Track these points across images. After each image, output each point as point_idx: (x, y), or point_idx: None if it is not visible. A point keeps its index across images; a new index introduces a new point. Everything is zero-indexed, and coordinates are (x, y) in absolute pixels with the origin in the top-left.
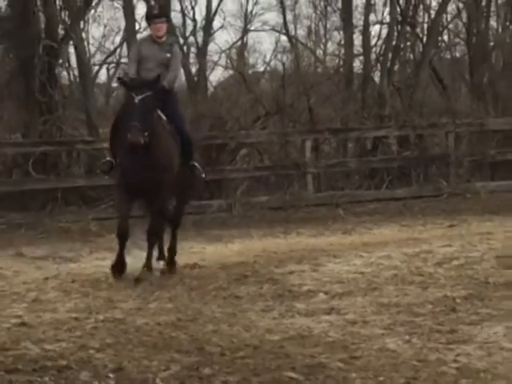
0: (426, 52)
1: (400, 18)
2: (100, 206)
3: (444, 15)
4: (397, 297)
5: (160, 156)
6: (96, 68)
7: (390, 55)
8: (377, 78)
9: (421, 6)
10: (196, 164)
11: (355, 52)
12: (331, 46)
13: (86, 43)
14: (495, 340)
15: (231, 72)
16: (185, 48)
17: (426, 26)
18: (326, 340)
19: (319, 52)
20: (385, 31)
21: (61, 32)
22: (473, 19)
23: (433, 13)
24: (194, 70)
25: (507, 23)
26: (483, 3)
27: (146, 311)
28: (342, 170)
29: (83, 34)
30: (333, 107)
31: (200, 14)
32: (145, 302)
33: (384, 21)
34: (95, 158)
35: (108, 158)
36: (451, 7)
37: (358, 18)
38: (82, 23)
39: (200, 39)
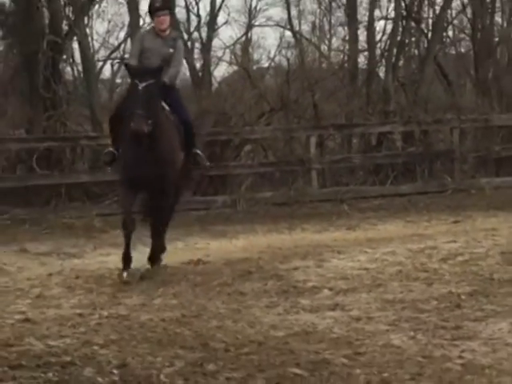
0: (431, 47)
1: (405, 14)
2: (104, 202)
3: (449, 11)
4: (401, 293)
5: (164, 148)
6: (100, 64)
7: (395, 51)
8: (381, 74)
9: (426, 2)
10: (199, 152)
11: (360, 47)
12: (336, 42)
13: (90, 39)
14: (500, 336)
15: (236, 68)
16: (189, 43)
17: (430, 21)
18: (330, 336)
19: (324, 47)
20: (390, 27)
21: (65, 27)
22: (478, 15)
23: (438, 8)
24: (198, 65)
25: None
26: None
27: (150, 307)
28: (347, 166)
29: (87, 30)
30: (337, 103)
31: (204, 9)
32: (149, 298)
33: (389, 16)
34: (99, 153)
35: (110, 149)
36: (456, 3)
37: (362, 14)
38: (86, 18)
39: (204, 35)
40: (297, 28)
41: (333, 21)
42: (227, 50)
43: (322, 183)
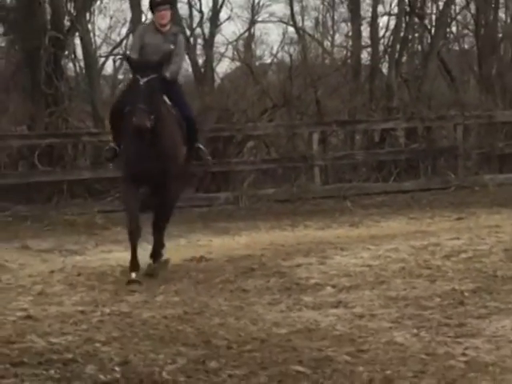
0: (435, 43)
1: (408, 9)
2: (106, 199)
3: (452, 6)
4: (404, 290)
5: (166, 143)
6: (102, 60)
7: (398, 47)
8: (385, 70)
9: None
10: (201, 146)
11: (363, 43)
12: (339, 38)
13: (92, 35)
14: (503, 333)
15: (238, 64)
16: (191, 39)
17: (434, 17)
18: (333, 333)
19: (327, 43)
20: (393, 22)
21: (67, 23)
22: (481, 10)
23: (441, 4)
24: (200, 61)
25: None
26: None
27: (152, 304)
28: (350, 163)
29: (89, 26)
30: (340, 99)
31: (207, 5)
32: (151, 295)
33: (392, 12)
34: (101, 150)
35: (111, 145)
36: None
37: (365, 10)
38: (88, 14)
39: (207, 30)
40: (300, 24)
41: (336, 17)
42: (230, 46)
43: (325, 180)
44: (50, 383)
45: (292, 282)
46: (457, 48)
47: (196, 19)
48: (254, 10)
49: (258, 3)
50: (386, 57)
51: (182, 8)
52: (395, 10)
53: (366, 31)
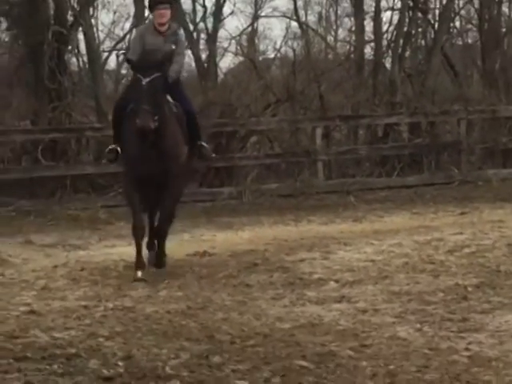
0: (438, 38)
1: (411, 4)
2: (109, 194)
3: (456, 1)
4: (408, 285)
5: (168, 143)
6: (105, 54)
7: (402, 41)
8: (388, 65)
9: None
10: (204, 144)
11: (366, 38)
12: (342, 33)
13: (95, 29)
14: (507, 328)
15: (241, 59)
16: (195, 34)
17: (437, 11)
18: (336, 328)
19: (330, 38)
20: (396, 17)
21: (70, 18)
22: (485, 5)
23: None
24: (203, 56)
25: None
26: None
27: (155, 299)
28: (353, 158)
29: (92, 20)
30: (344, 94)
31: None
32: (154, 289)
33: (395, 7)
34: (104, 145)
35: (113, 146)
36: None
37: (369, 4)
38: (91, 9)
39: (210, 25)
40: (303, 19)
41: (339, 11)
42: (233, 41)
43: (328, 175)
44: (54, 378)
45: (295, 276)
46: (460, 43)
47: (199, 14)
48: (257, 5)
49: None
50: (390, 52)
51: (186, 3)
52: (398, 5)
53: (369, 26)
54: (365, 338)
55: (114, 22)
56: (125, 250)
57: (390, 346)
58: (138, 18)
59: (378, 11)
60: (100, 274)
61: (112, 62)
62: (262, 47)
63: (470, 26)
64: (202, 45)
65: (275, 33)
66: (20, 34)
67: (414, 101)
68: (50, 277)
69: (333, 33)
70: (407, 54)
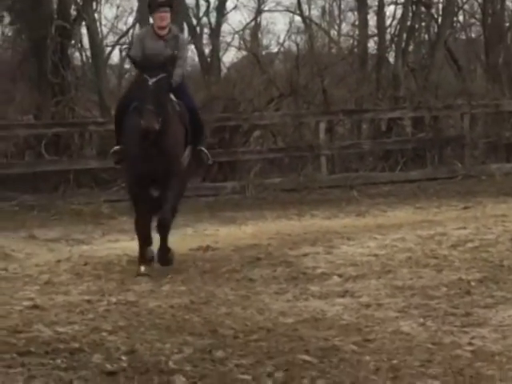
0: (441, 32)
1: None
2: (112, 188)
3: None
4: (411, 279)
5: (170, 142)
6: (108, 49)
7: (405, 36)
8: (391, 59)
9: None
10: (204, 149)
11: (370, 33)
12: (345, 27)
13: (98, 24)
14: (510, 323)
15: (245, 53)
16: (198, 29)
17: (441, 6)
18: (339, 323)
19: (333, 33)
20: (399, 11)
21: (73, 12)
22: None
23: None
24: (207, 51)
25: None
26: None
27: (158, 294)
28: (356, 152)
29: (96, 15)
30: (347, 88)
31: None
32: (157, 284)
33: (399, 1)
34: (107, 139)
35: (116, 148)
36: None
37: None
38: (94, 4)
39: (213, 20)
40: (306, 13)
41: (342, 6)
42: (236, 36)
43: (332, 169)
44: (57, 372)
45: (298, 271)
46: (464, 37)
47: (202, 8)
48: None
49: None
50: (393, 46)
51: None
52: None
53: (372, 20)
54: (368, 333)
55: (117, 17)
56: (128, 245)
57: (394, 340)
58: (142, 13)
59: (381, 5)
60: (103, 269)
61: (115, 57)
62: (265, 42)
63: (473, 20)
64: (206, 39)
65: (278, 27)
66: (23, 29)
67: (417, 95)
68: (53, 271)
69: (336, 27)
70: (411, 48)
